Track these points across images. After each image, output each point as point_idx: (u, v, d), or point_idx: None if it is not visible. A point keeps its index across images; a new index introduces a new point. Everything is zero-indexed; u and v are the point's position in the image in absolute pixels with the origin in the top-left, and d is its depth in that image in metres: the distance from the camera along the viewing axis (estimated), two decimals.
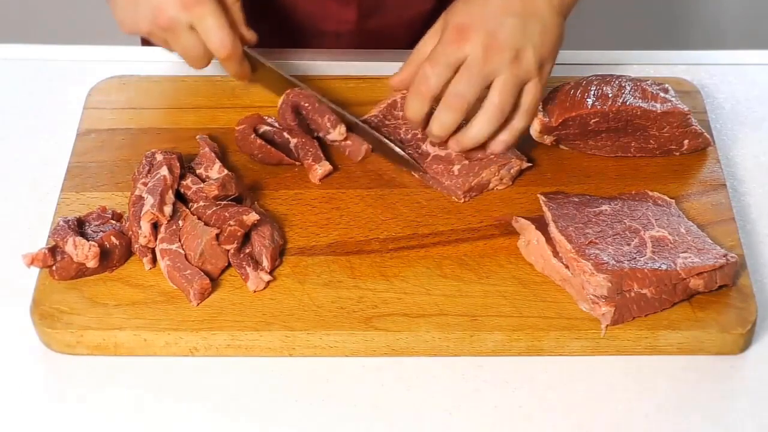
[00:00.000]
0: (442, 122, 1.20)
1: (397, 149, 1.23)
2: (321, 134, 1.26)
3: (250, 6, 1.30)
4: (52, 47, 1.42)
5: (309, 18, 1.46)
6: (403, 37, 1.49)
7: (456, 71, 1.18)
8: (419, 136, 1.26)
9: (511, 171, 1.23)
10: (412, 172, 1.24)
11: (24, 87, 1.38)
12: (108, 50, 1.42)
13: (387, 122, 1.27)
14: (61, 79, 1.39)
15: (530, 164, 1.24)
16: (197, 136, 1.25)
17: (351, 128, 1.26)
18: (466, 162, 1.22)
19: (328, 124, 1.24)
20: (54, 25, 2.59)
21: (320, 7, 1.45)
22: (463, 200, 1.22)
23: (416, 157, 1.24)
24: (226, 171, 1.20)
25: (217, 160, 1.21)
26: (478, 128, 1.20)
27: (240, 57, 1.27)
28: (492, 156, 1.22)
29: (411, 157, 1.23)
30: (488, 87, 1.18)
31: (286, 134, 1.25)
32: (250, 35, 1.29)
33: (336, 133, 1.24)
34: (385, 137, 1.24)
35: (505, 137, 1.21)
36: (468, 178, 1.21)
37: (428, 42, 1.22)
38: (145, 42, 1.54)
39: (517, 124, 1.21)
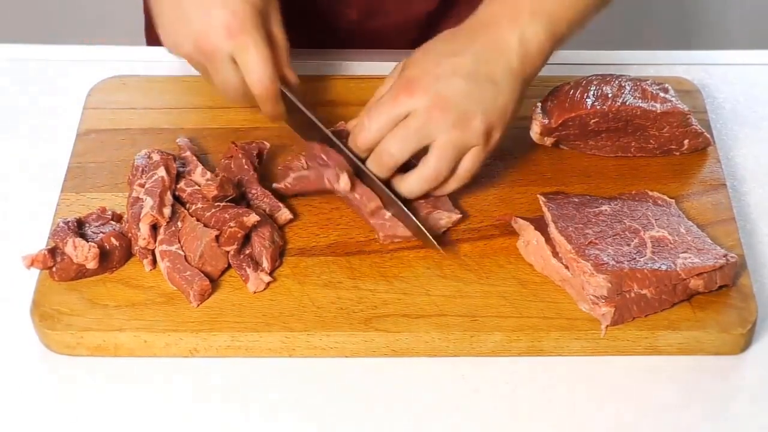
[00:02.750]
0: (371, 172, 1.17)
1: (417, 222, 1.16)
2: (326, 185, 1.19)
3: None
4: (52, 47, 1.42)
5: (310, 18, 1.46)
6: (405, 37, 1.49)
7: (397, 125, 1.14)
8: None
9: (440, 222, 1.18)
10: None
11: (24, 87, 1.38)
12: (108, 50, 1.42)
13: None
14: (61, 79, 1.39)
15: (460, 215, 1.19)
16: (177, 139, 1.24)
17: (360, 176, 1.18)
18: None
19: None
20: (54, 25, 2.59)
21: (322, 7, 1.45)
22: (384, 242, 1.17)
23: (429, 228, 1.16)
24: (209, 174, 1.19)
25: (199, 164, 1.21)
26: (411, 187, 1.16)
27: (276, 96, 1.20)
28: (424, 203, 1.18)
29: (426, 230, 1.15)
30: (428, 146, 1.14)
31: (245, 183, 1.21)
32: (292, 77, 1.23)
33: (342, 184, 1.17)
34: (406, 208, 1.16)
35: (436, 194, 1.19)
36: (397, 224, 1.17)
37: (386, 84, 1.20)
38: (149, 42, 1.54)
39: (449, 186, 1.17)
